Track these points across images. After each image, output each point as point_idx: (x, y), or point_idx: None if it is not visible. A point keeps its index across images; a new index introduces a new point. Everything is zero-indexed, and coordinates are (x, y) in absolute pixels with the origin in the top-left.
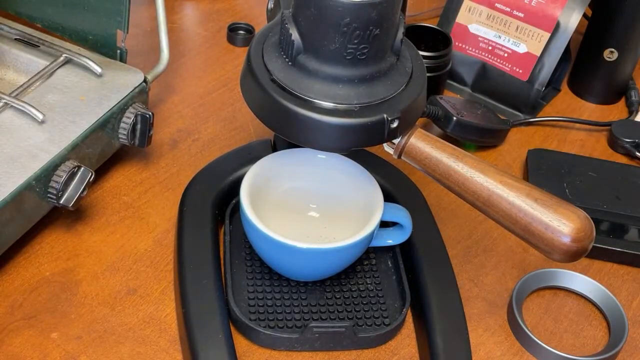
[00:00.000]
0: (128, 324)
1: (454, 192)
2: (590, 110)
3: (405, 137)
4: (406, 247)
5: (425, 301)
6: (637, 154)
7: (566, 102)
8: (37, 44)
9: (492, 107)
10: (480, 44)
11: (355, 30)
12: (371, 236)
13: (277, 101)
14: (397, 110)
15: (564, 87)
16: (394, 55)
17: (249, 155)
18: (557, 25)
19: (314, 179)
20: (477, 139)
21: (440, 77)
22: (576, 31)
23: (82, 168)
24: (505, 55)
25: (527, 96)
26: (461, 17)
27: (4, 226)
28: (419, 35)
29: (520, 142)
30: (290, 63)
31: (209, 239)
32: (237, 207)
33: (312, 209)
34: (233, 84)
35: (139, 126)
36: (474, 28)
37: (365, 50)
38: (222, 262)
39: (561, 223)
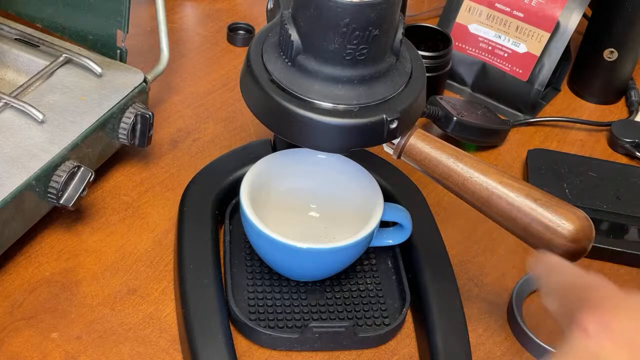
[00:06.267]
0: (128, 324)
1: (454, 193)
2: (590, 110)
3: (405, 138)
4: (406, 247)
5: (425, 301)
6: (637, 154)
7: (566, 102)
8: (37, 44)
9: (492, 107)
10: (480, 44)
11: (355, 30)
12: (371, 236)
13: (277, 102)
14: (396, 110)
15: (564, 87)
16: (394, 55)
17: (249, 155)
18: (557, 25)
19: (314, 179)
20: (477, 139)
21: (440, 77)
22: (576, 31)
23: (82, 168)
24: (505, 55)
25: (527, 96)
26: (461, 17)
27: (4, 226)
28: (419, 35)
29: (520, 142)
30: (289, 63)
31: (209, 239)
32: (237, 207)
33: (312, 209)
34: (233, 84)
35: (139, 126)
36: (474, 28)
37: (365, 51)
38: (222, 262)
39: (560, 224)
